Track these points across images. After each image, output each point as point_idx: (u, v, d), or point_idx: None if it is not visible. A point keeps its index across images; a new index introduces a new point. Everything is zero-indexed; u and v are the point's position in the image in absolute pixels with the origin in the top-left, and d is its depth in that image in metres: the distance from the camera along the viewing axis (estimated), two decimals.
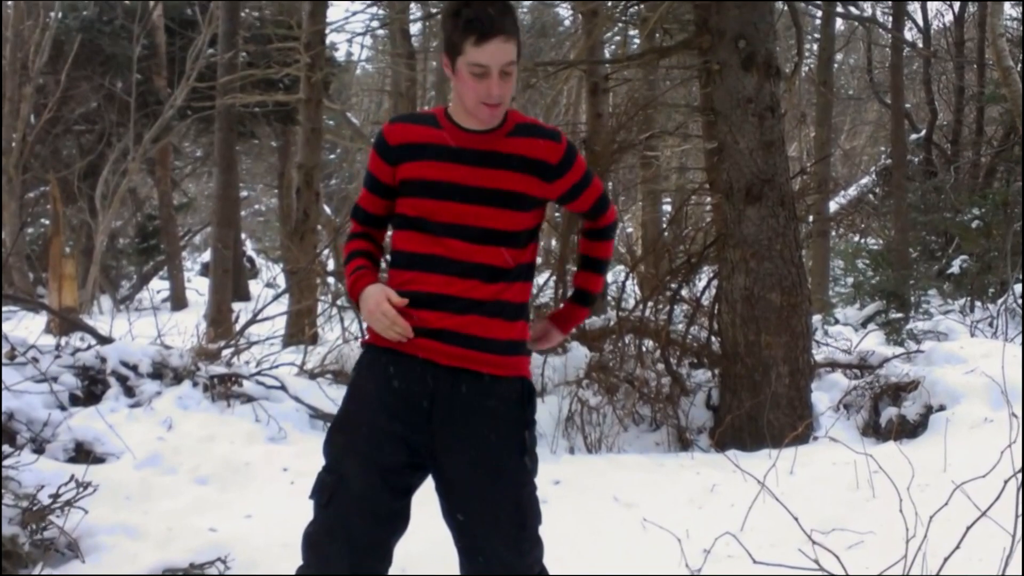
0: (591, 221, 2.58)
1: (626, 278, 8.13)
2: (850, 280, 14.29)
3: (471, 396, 2.26)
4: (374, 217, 2.46)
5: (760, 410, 5.77)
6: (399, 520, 2.31)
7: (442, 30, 2.28)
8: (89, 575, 3.44)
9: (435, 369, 2.24)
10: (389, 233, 2.49)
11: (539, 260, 9.47)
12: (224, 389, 6.04)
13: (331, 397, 6.33)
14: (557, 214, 8.83)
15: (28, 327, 9.73)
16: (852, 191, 18.74)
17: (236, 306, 13.89)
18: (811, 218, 7.16)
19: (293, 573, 2.36)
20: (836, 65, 18.98)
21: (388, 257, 2.45)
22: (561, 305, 2.64)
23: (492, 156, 2.31)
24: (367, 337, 2.38)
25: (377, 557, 2.29)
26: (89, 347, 6.00)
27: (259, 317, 8.72)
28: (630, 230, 15.83)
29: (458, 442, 2.26)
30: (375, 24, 16.01)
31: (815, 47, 16.59)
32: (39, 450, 4.65)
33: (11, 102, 16.90)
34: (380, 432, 2.26)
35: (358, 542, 2.24)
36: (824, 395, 6.40)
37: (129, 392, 5.68)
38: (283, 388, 6.21)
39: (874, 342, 9.46)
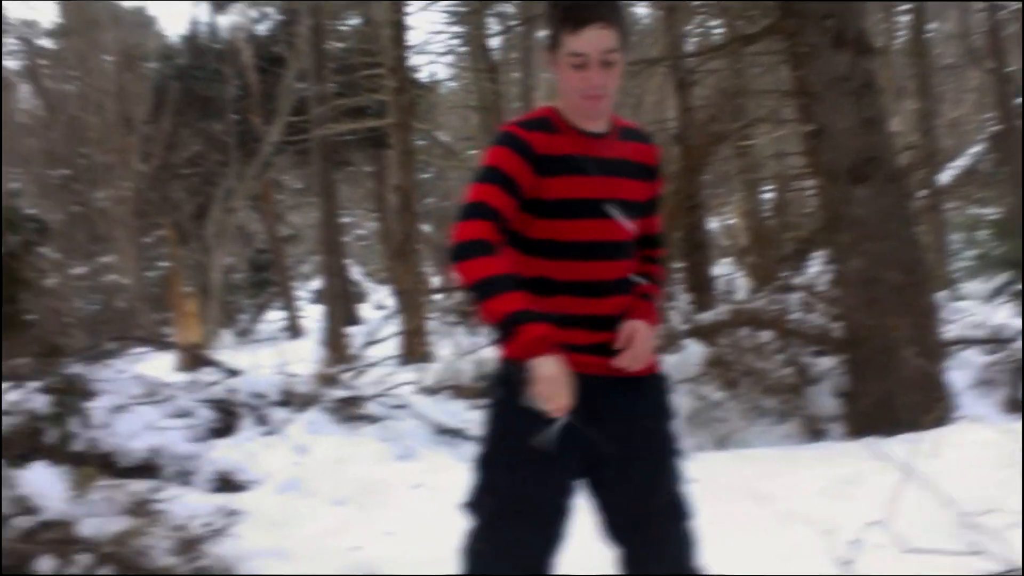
0: (656, 249, 2.42)
1: (735, 270, 8.03)
2: (971, 253, 13.74)
3: (629, 401, 2.24)
4: (504, 217, 2.15)
5: (892, 394, 5.60)
6: (564, 539, 2.30)
7: (546, 27, 2.24)
8: None
9: (591, 381, 2.18)
10: None
11: None
12: (350, 411, 6.18)
13: (452, 412, 6.42)
14: None
15: (159, 365, 10.15)
16: (963, 161, 18.08)
17: (349, 330, 14.18)
18: (922, 192, 6.93)
19: None
20: (930, 34, 18.33)
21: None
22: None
23: (616, 164, 2.25)
24: (506, 352, 2.26)
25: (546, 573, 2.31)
26: (219, 381, 6.23)
27: (374, 340, 8.94)
28: (732, 221, 15.55)
29: (620, 449, 2.24)
30: (456, 42, 16.18)
31: (908, 18, 16.08)
32: (185, 482, 4.85)
33: (119, 153, 17.66)
34: (542, 456, 2.20)
35: (527, 564, 2.25)
36: (959, 373, 6.17)
37: (261, 421, 5.87)
38: (406, 407, 6.32)
39: (1006, 315, 9.08)
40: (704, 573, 2.37)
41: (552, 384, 2.05)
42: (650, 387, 2.30)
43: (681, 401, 6.16)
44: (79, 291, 19.24)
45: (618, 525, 2.32)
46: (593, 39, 2.11)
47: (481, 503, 2.29)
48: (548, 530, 2.26)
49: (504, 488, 2.26)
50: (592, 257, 2.24)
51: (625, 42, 2.18)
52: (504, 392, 2.28)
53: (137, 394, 5.74)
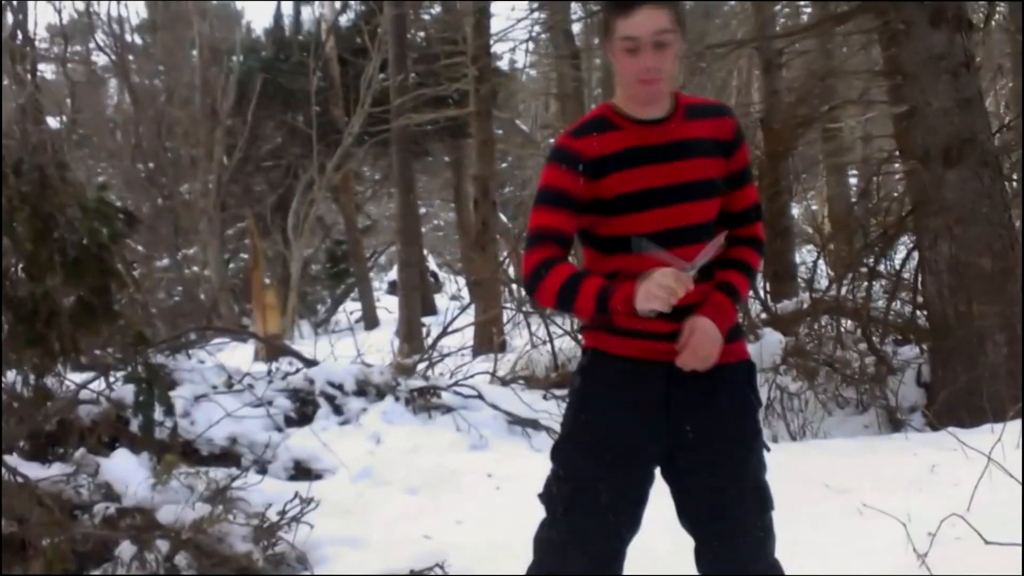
0: (745, 227, 2.32)
1: (817, 257, 7.86)
2: None
3: (709, 389, 2.21)
4: (566, 237, 2.23)
5: (978, 384, 5.43)
6: (636, 528, 2.32)
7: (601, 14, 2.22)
8: None
9: (671, 369, 2.18)
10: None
11: None
12: (424, 401, 6.23)
13: (525, 402, 6.41)
14: None
15: (239, 356, 10.38)
16: None
17: (425, 320, 14.27)
18: (1015, 176, 6.71)
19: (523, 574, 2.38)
20: None
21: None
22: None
23: (681, 146, 2.21)
24: (587, 342, 2.32)
25: (615, 564, 2.31)
26: (297, 371, 6.33)
27: (449, 330, 8.97)
28: (815, 207, 15.25)
29: (700, 437, 2.22)
30: (538, 29, 16.10)
31: None
32: (263, 471, 4.95)
33: (204, 146, 18.09)
34: (620, 444, 2.24)
35: (599, 552, 2.26)
36: None
37: (337, 410, 5.96)
38: (480, 397, 6.33)
39: None
40: (778, 566, 2.34)
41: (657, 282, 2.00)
42: (732, 375, 2.26)
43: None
44: (162, 282, 19.76)
45: (694, 514, 2.31)
46: (644, 21, 2.08)
47: (553, 492, 2.31)
48: (619, 519, 2.26)
49: (577, 477, 2.27)
50: (662, 247, 2.18)
51: (680, 21, 2.14)
52: (581, 381, 2.32)
53: (217, 383, 5.88)
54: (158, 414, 4.49)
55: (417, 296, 14.50)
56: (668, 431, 2.22)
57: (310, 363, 6.59)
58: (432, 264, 27.41)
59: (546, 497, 2.32)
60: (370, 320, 20.69)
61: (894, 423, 5.86)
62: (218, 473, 4.15)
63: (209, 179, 18.02)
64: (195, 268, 20.31)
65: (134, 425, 4.64)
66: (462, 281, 23.72)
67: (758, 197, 2.36)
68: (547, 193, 2.21)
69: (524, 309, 9.58)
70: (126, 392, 4.81)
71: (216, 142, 18.11)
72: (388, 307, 21.82)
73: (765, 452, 2.32)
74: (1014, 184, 6.64)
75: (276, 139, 19.98)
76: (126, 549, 3.42)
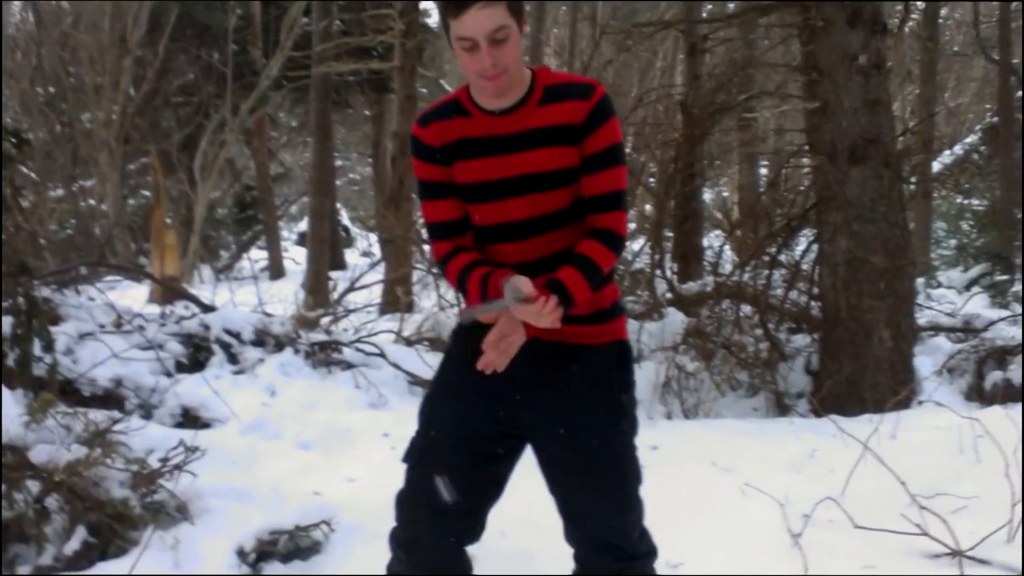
0: (597, 214, 2.18)
1: (724, 242, 8.00)
2: (953, 242, 13.88)
3: (565, 368, 2.21)
4: (456, 223, 2.26)
5: (861, 375, 5.66)
6: (487, 487, 2.32)
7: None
8: (198, 536, 3.53)
9: (530, 343, 2.17)
10: None
11: (633, 226, 9.27)
12: (325, 356, 6.16)
13: (429, 364, 6.40)
14: (652, 178, 8.72)
15: (133, 296, 10.08)
16: (957, 150, 18.09)
17: (333, 275, 14.11)
18: (913, 179, 6.94)
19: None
20: (941, 20, 18.20)
21: None
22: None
23: (525, 136, 2.16)
24: (464, 307, 2.36)
25: (464, 521, 2.31)
26: (193, 315, 6.16)
27: (356, 285, 8.87)
28: (726, 194, 15.59)
29: (553, 414, 2.23)
30: None
31: (919, 2, 15.95)
32: (147, 416, 4.81)
33: (111, 75, 17.36)
34: (468, 401, 2.27)
35: (442, 505, 2.26)
36: (927, 359, 6.27)
37: (233, 359, 5.82)
38: (382, 355, 6.29)
39: (979, 305, 9.17)
40: (646, 536, 2.37)
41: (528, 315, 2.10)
42: (592, 355, 2.26)
43: (656, 369, 6.16)
44: (55, 213, 18.99)
45: (553, 490, 2.34)
46: (477, 21, 2.02)
47: (410, 448, 2.35)
48: (464, 480, 2.27)
49: (426, 434, 2.31)
50: (504, 240, 2.23)
51: (517, 12, 2.08)
52: (451, 342, 2.43)
53: (106, 322, 5.68)
54: (37, 349, 4.30)
55: (326, 249, 14.32)
56: (522, 403, 2.24)
57: (207, 308, 6.44)
58: (345, 218, 27.04)
59: (406, 454, 2.35)
60: (276, 270, 20.35)
61: (781, 407, 6.04)
62: (99, 415, 3.95)
63: (113, 109, 17.31)
64: (91, 201, 19.55)
65: (11, 360, 4.43)
66: (374, 238, 23.45)
67: (621, 184, 2.18)
68: (422, 185, 2.28)
69: (434, 271, 9.51)
70: (4, 324, 4.59)
71: (123, 72, 17.39)
72: (295, 258, 21.47)
73: (628, 431, 2.30)
74: (911, 187, 6.87)
75: (188, 75, 19.32)
76: None
